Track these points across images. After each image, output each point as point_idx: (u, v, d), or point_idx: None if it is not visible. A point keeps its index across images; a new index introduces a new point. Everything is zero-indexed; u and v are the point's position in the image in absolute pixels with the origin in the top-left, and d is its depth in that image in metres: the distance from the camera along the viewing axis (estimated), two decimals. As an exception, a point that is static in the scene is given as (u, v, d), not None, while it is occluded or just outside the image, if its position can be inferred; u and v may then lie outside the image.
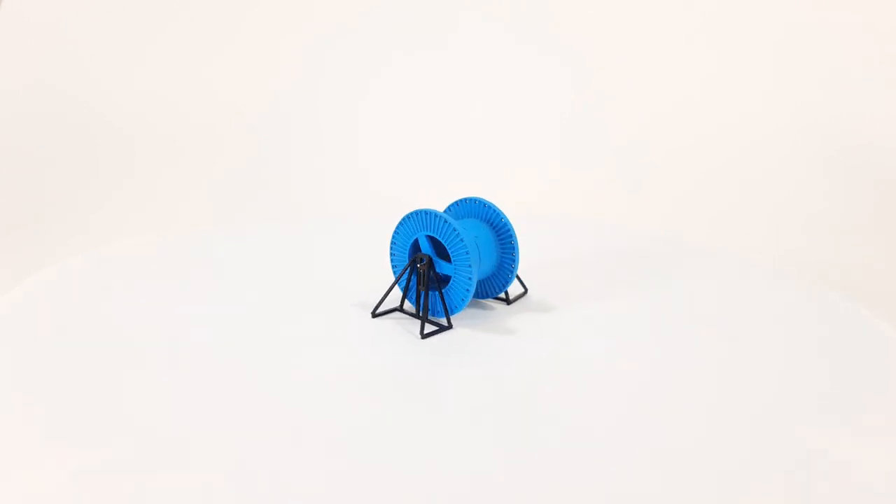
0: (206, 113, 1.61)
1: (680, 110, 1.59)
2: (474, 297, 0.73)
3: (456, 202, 0.72)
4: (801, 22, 1.56)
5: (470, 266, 0.65)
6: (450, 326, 0.67)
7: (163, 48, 1.64)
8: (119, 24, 1.63)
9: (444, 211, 0.73)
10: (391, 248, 0.71)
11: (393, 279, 0.71)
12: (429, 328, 0.66)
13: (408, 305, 0.71)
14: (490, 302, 0.73)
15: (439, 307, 0.68)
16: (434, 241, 0.69)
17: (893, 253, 1.37)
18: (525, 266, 0.80)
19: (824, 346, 0.67)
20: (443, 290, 0.67)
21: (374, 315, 0.69)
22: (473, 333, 0.67)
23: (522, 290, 0.76)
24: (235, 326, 0.67)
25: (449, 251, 0.66)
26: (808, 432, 0.54)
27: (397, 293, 0.73)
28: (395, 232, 0.70)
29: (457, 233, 0.65)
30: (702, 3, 1.62)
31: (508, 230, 0.70)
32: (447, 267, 0.67)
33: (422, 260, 0.66)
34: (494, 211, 0.70)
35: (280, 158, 1.59)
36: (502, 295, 0.73)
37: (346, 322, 0.68)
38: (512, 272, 0.70)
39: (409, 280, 0.68)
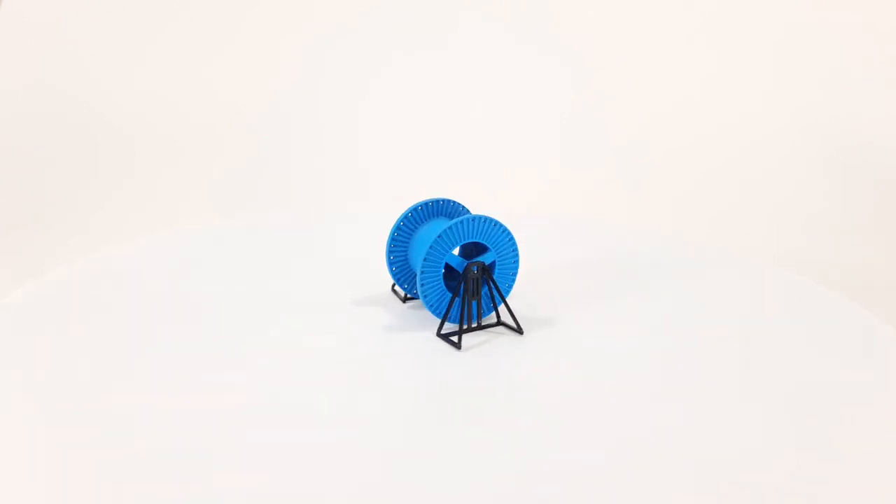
0: (206, 113, 1.60)
1: (680, 110, 1.59)
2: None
3: (417, 206, 0.69)
4: (801, 22, 1.56)
5: (514, 251, 0.67)
6: (499, 320, 0.68)
7: (163, 48, 1.64)
8: (119, 24, 1.63)
9: (412, 211, 0.69)
10: (423, 290, 0.66)
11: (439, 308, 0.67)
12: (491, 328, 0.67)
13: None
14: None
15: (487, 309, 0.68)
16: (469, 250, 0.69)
17: (893, 253, 1.37)
18: (525, 266, 0.79)
19: (825, 346, 0.67)
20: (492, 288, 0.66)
21: (461, 345, 0.65)
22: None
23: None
24: (238, 329, 0.66)
25: (493, 246, 0.66)
26: (809, 432, 0.54)
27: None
28: (428, 263, 0.65)
29: (499, 224, 0.66)
30: (702, 3, 1.62)
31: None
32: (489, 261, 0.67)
33: (476, 268, 0.65)
34: (454, 206, 0.69)
35: (280, 158, 1.59)
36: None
37: (346, 323, 0.68)
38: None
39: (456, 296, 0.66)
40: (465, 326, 0.66)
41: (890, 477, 0.49)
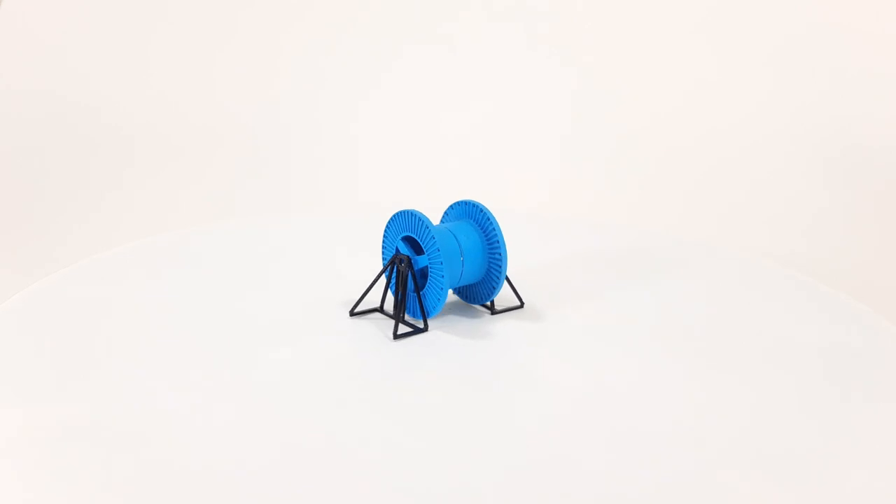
0: (204, 113, 1.60)
1: (680, 111, 1.59)
2: (466, 300, 0.72)
3: (453, 204, 0.71)
4: (801, 22, 1.56)
5: (441, 264, 0.64)
6: (425, 329, 0.66)
7: (162, 48, 1.64)
8: (119, 24, 1.63)
9: (444, 213, 0.72)
10: (383, 253, 0.71)
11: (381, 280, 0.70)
12: (404, 329, 0.66)
13: (390, 307, 0.70)
14: (483, 308, 0.72)
15: (418, 309, 0.67)
16: (415, 244, 0.68)
17: (894, 253, 1.37)
18: (525, 266, 0.79)
19: (827, 344, 0.67)
20: (421, 292, 0.66)
21: (352, 314, 0.68)
22: (456, 337, 0.66)
23: (518, 303, 0.72)
24: (237, 329, 0.66)
25: (425, 251, 0.65)
26: (812, 432, 0.53)
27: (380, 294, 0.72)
28: (384, 236, 0.70)
29: (429, 232, 0.64)
30: (702, 4, 1.62)
31: (496, 236, 0.67)
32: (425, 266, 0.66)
33: (401, 261, 0.65)
34: (486, 215, 0.68)
35: (280, 159, 1.59)
36: (489, 303, 0.71)
37: (325, 321, 0.68)
38: (498, 281, 0.68)
39: (388, 280, 0.68)
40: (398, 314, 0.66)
41: (891, 478, 0.49)
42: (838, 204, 1.46)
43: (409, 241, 0.68)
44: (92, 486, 0.45)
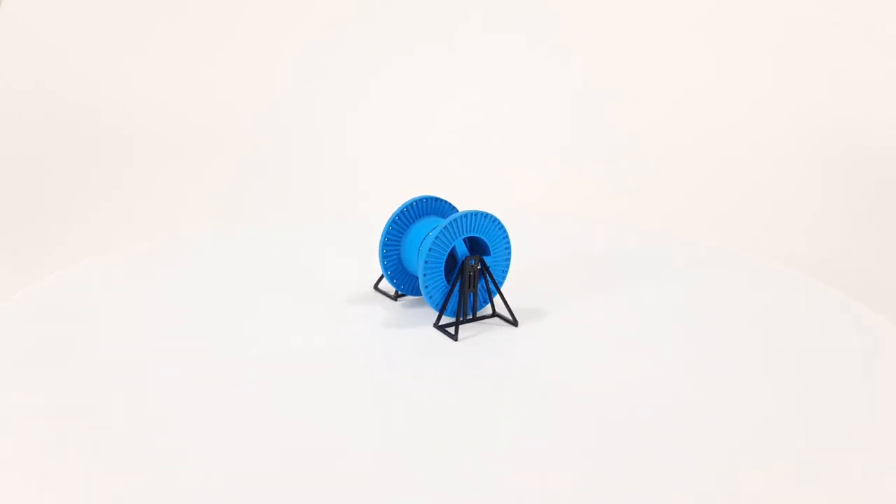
0: (204, 113, 1.60)
1: (680, 111, 1.59)
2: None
3: (413, 201, 0.69)
4: (801, 22, 1.56)
5: (508, 246, 0.69)
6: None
7: (162, 48, 1.64)
8: (119, 24, 1.63)
9: (400, 210, 0.70)
10: (425, 281, 0.66)
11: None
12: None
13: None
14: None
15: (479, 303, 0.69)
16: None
17: (893, 253, 1.37)
18: (525, 265, 0.80)
19: (827, 344, 0.67)
20: (497, 285, 0.68)
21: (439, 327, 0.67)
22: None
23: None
24: (236, 330, 0.66)
25: (487, 239, 0.68)
26: (812, 433, 0.53)
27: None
28: (429, 254, 0.65)
29: (498, 223, 0.68)
30: (703, 4, 1.62)
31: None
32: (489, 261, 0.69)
33: (472, 261, 0.66)
34: (450, 206, 0.70)
35: (279, 159, 1.59)
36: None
37: (323, 322, 0.68)
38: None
39: (451, 290, 0.67)
40: (461, 318, 0.67)
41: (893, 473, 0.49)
42: (838, 204, 1.46)
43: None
44: (89, 486, 0.45)
